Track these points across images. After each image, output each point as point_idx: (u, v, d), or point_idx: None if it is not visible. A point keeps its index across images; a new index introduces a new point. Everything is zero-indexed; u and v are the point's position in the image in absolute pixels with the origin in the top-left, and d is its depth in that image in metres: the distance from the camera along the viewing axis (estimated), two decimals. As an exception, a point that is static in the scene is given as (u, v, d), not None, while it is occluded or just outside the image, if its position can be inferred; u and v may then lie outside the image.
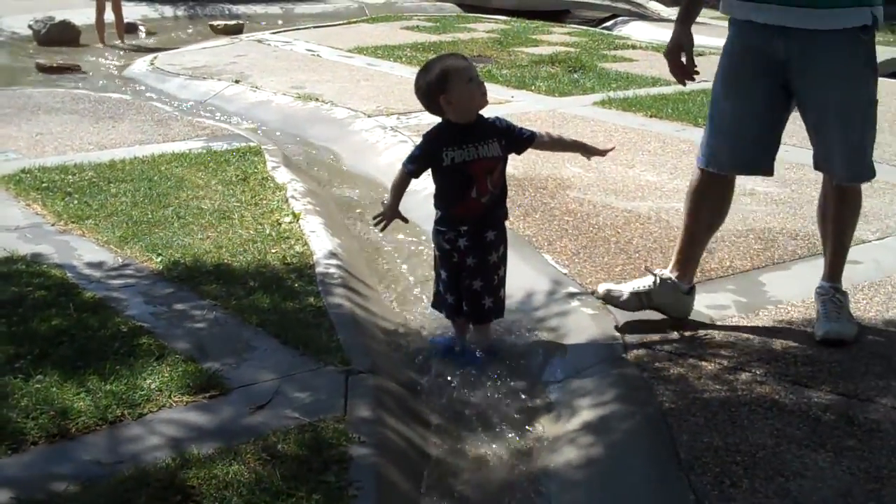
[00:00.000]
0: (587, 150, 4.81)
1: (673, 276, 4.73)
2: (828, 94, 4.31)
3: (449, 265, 4.63)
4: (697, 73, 4.58)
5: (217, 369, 4.12)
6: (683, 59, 4.58)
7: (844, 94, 4.30)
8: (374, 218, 4.63)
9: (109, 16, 14.46)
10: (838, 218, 4.66)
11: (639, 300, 4.73)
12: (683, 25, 4.57)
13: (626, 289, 4.77)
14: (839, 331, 4.49)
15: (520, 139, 4.59)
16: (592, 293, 5.05)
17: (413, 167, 4.56)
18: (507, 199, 4.67)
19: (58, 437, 3.60)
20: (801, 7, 4.21)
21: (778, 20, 4.28)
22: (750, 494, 3.34)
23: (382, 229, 4.69)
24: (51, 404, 3.76)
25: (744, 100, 4.49)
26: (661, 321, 4.73)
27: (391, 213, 4.58)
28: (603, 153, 4.83)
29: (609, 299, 4.78)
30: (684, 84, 4.73)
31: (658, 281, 4.72)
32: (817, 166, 4.62)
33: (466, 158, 4.45)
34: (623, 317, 4.79)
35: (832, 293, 4.64)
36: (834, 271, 4.72)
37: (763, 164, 4.72)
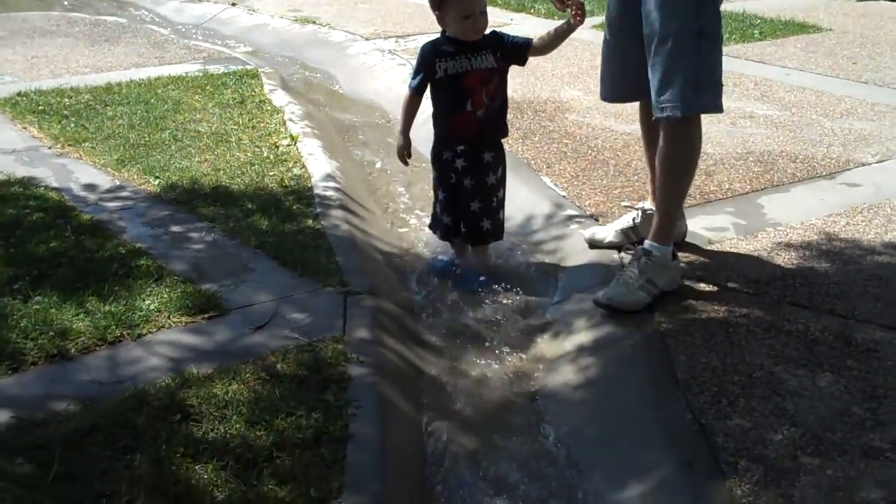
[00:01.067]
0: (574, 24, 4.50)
1: (653, 206, 4.60)
2: (650, 13, 3.98)
3: (447, 186, 4.63)
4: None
5: (215, 290, 4.13)
6: None
7: (663, 17, 3.95)
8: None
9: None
10: (660, 157, 4.19)
11: (625, 237, 4.70)
12: None
13: (610, 229, 4.74)
14: (610, 294, 4.15)
15: (515, 47, 4.55)
16: (591, 216, 5.04)
17: (414, 82, 4.59)
18: (507, 123, 4.65)
19: (57, 357, 3.62)
20: None
21: None
22: (747, 413, 3.36)
23: (405, 162, 4.71)
24: (50, 325, 3.77)
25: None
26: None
27: (401, 142, 4.61)
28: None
29: (595, 243, 4.74)
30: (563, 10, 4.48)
31: (641, 214, 4.68)
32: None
33: (459, 70, 4.46)
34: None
35: (640, 255, 4.23)
36: (655, 198, 4.38)
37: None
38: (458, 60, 4.46)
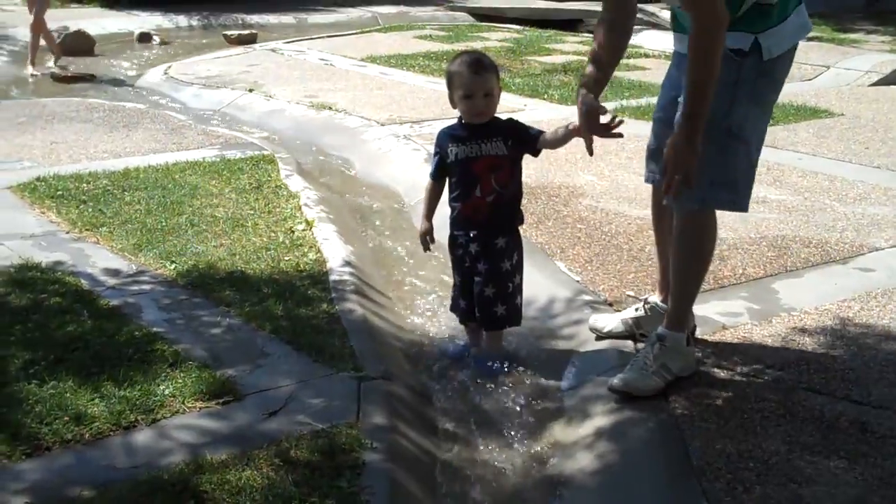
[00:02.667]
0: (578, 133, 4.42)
1: (659, 300, 4.64)
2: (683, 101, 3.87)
3: (461, 269, 4.67)
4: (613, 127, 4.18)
5: (231, 375, 4.14)
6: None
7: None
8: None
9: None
10: (675, 245, 4.22)
11: (628, 328, 4.66)
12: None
13: (613, 319, 4.71)
14: (625, 379, 4.12)
15: (526, 136, 4.56)
16: (605, 301, 5.06)
17: (432, 169, 4.69)
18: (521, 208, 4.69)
19: (72, 442, 3.62)
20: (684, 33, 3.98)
21: (680, 48, 4.22)
22: (762, 500, 3.34)
23: (426, 249, 4.78)
24: (65, 410, 3.78)
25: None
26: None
27: (423, 228, 4.71)
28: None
29: (596, 331, 4.72)
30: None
31: (644, 307, 4.66)
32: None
33: (469, 155, 4.53)
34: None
35: (654, 341, 4.22)
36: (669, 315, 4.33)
37: None
38: (468, 146, 4.52)
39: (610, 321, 4.72)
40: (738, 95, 3.94)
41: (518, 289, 4.67)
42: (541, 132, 4.60)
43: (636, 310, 4.68)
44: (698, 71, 3.73)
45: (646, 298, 4.70)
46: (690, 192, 3.87)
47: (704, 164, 3.84)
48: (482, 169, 4.51)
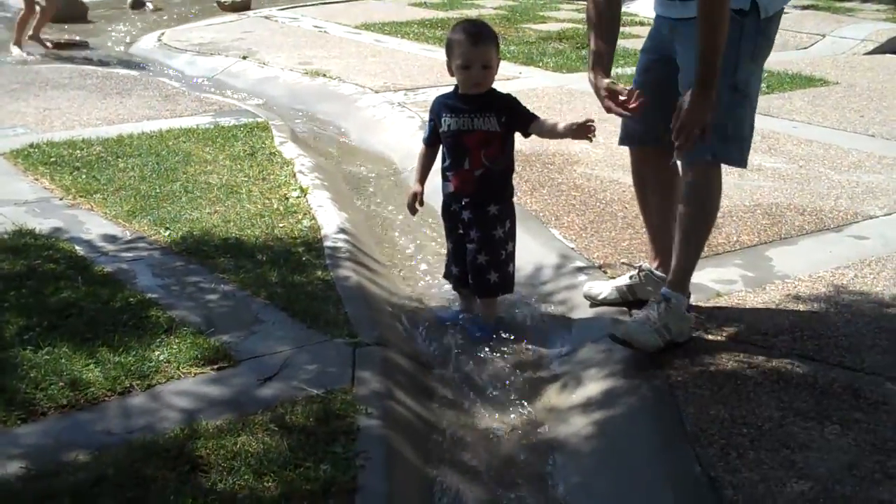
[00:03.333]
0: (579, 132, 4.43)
1: (653, 267, 4.67)
2: (692, 65, 3.97)
3: (454, 236, 4.67)
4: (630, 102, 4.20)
5: (225, 341, 4.15)
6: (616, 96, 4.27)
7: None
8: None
9: None
10: (681, 208, 4.22)
11: (621, 295, 4.69)
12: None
13: (607, 286, 4.74)
14: (628, 331, 4.13)
15: (520, 117, 4.52)
16: (599, 267, 5.07)
17: (425, 135, 4.68)
18: (515, 175, 4.67)
19: (68, 407, 3.63)
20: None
21: (666, 13, 4.29)
22: (756, 466, 3.36)
23: (412, 212, 4.76)
24: (60, 375, 3.78)
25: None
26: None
27: (413, 190, 4.69)
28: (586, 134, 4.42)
29: (591, 298, 4.74)
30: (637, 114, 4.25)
31: (639, 274, 4.68)
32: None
33: (461, 128, 4.51)
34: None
35: (660, 300, 4.22)
36: (664, 261, 4.52)
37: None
38: (461, 118, 4.50)
39: (604, 288, 4.73)
40: (742, 53, 4.05)
41: (510, 256, 4.66)
42: (535, 117, 4.53)
43: (630, 277, 4.70)
44: (710, 32, 3.82)
45: (640, 266, 4.70)
46: (702, 145, 3.99)
47: (716, 119, 3.95)
48: (473, 143, 4.50)
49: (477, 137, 4.49)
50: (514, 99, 4.57)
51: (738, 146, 4.16)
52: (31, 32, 12.31)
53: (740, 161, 4.22)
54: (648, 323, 4.13)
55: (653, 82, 4.32)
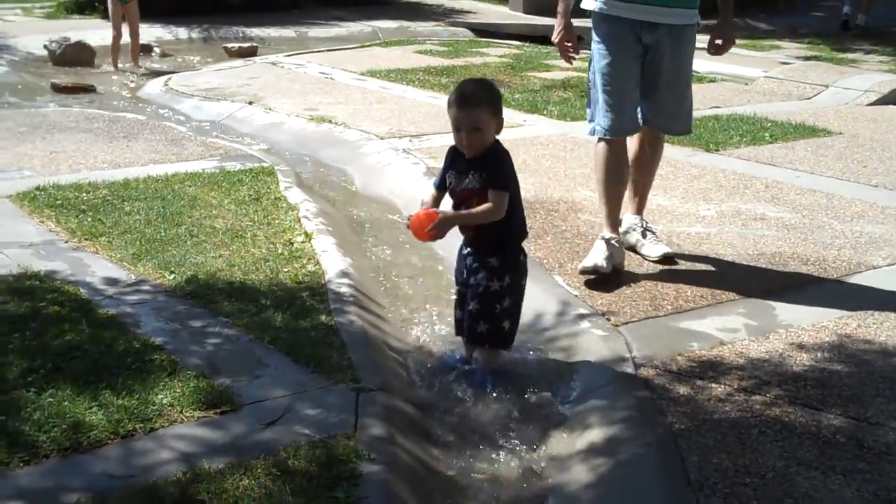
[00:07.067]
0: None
1: (613, 237, 5.69)
2: (681, 61, 5.61)
3: (459, 281, 4.69)
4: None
5: (228, 385, 4.15)
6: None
7: (688, 63, 5.71)
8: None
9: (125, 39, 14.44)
10: (654, 162, 6.01)
11: (608, 263, 5.52)
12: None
13: (601, 262, 5.50)
14: (670, 252, 5.81)
15: (490, 178, 4.45)
16: (603, 314, 5.07)
17: (436, 180, 4.75)
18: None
19: (70, 450, 3.63)
20: (670, 7, 5.43)
21: (646, 17, 5.45)
22: (759, 515, 3.35)
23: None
24: (63, 418, 3.78)
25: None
26: (672, 342, 4.76)
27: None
28: None
29: (588, 271, 5.49)
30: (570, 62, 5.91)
31: (613, 243, 5.62)
32: (652, 123, 5.77)
33: (455, 186, 4.58)
34: (633, 337, 4.81)
35: (646, 223, 6.00)
36: (643, 206, 6.10)
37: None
38: (457, 176, 4.57)
39: (600, 262, 5.50)
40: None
41: (506, 313, 4.59)
42: (496, 191, 4.43)
43: (607, 249, 5.56)
44: None
45: (607, 239, 5.62)
46: (689, 120, 5.92)
47: (691, 97, 5.81)
48: (467, 196, 4.51)
49: (469, 192, 4.51)
50: (499, 159, 4.52)
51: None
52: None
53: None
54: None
55: (634, 76, 5.57)
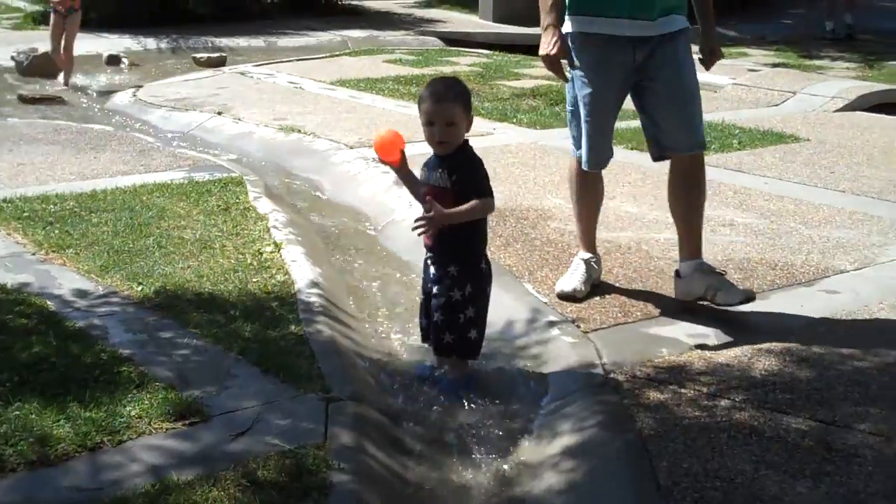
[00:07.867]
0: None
1: (592, 257, 5.53)
2: (683, 75, 5.20)
3: (423, 288, 4.69)
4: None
5: (197, 396, 4.13)
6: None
7: (692, 74, 5.24)
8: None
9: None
10: (697, 193, 5.42)
11: (587, 286, 5.39)
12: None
13: (578, 283, 5.37)
14: (752, 293, 5.23)
15: (464, 185, 4.45)
16: (573, 321, 5.08)
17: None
18: (489, 230, 4.68)
19: (37, 463, 3.60)
20: (650, 20, 5.02)
21: (632, 32, 5.05)
22: (729, 520, 3.36)
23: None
24: (30, 431, 3.75)
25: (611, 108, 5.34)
26: (642, 348, 4.77)
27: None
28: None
29: (565, 296, 5.33)
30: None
31: (592, 264, 5.49)
32: (676, 148, 5.32)
33: (424, 180, 4.60)
34: (602, 344, 4.82)
35: (711, 267, 5.34)
36: (700, 246, 5.45)
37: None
38: (428, 171, 4.57)
39: (578, 286, 5.36)
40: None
41: (472, 322, 4.57)
42: (479, 195, 4.45)
43: (586, 271, 5.43)
44: None
45: (586, 260, 5.49)
46: (703, 135, 5.35)
47: (701, 111, 5.30)
48: (434, 194, 4.46)
49: (437, 191, 4.48)
50: (475, 165, 4.53)
51: None
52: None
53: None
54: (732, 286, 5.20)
55: (618, 106, 5.35)
